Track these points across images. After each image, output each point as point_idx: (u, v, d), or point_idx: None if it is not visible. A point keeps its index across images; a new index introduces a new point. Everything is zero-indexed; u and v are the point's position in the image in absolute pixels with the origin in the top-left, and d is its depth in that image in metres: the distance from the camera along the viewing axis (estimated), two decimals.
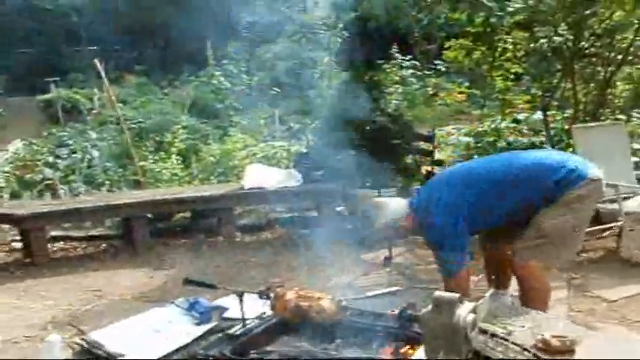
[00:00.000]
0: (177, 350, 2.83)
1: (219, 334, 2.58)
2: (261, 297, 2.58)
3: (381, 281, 5.53)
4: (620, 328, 4.40)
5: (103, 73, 8.79)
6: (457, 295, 2.02)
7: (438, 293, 2.04)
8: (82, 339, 2.93)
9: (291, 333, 2.56)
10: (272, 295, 2.50)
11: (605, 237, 6.42)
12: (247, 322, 2.55)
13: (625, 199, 5.93)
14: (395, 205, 4.04)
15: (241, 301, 2.55)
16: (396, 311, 2.26)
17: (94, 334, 2.98)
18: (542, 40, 6.59)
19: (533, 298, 3.82)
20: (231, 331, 2.50)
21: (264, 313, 2.66)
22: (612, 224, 6.34)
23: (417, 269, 5.86)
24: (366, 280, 5.55)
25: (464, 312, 2.01)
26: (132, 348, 2.84)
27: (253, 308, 2.69)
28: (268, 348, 2.47)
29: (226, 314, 3.09)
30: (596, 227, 6.42)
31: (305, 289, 2.49)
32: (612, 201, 5.95)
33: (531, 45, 6.73)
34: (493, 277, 4.33)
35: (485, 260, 4.42)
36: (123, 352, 2.80)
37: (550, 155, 4.26)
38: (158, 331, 3.04)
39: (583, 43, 6.83)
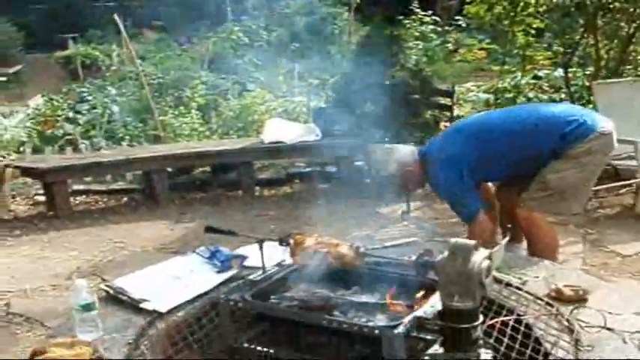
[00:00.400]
0: (198, 296, 2.90)
1: (240, 281, 2.65)
2: (281, 244, 2.64)
3: (399, 235, 5.59)
4: (633, 282, 4.45)
5: (122, 29, 8.80)
6: (473, 242, 2.07)
7: (454, 240, 2.09)
8: (107, 285, 3.01)
9: (309, 279, 2.62)
10: (291, 241, 2.56)
11: (623, 193, 6.44)
12: (267, 269, 2.61)
13: None
14: (403, 152, 4.09)
15: (261, 248, 2.61)
16: (413, 258, 2.31)
17: (117, 280, 3.06)
18: None
19: (539, 250, 3.86)
20: (251, 277, 2.57)
21: (284, 260, 2.72)
22: (630, 181, 6.35)
23: (435, 223, 5.92)
24: (384, 234, 5.61)
25: (479, 258, 2.05)
26: (154, 294, 2.91)
27: (273, 256, 2.75)
28: (287, 294, 2.53)
29: (246, 263, 3.16)
30: (614, 184, 6.45)
31: (324, 237, 2.54)
32: (631, 157, 5.95)
33: (554, 0, 6.66)
34: (509, 226, 4.38)
35: (500, 211, 4.46)
36: (146, 298, 2.88)
37: (563, 108, 4.27)
38: (180, 279, 3.11)
39: None
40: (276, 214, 6.22)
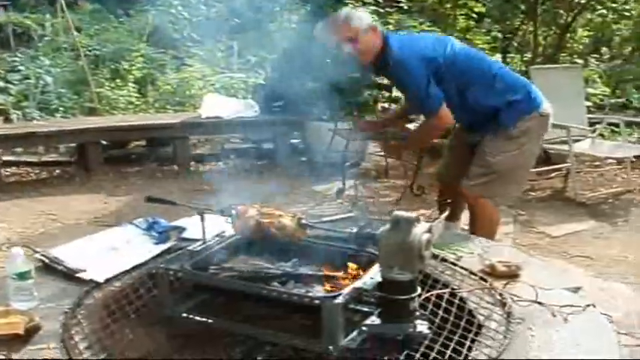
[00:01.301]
0: (136, 267, 2.88)
1: (180, 251, 2.63)
2: (222, 215, 2.63)
3: (334, 212, 5.64)
4: (561, 261, 4.60)
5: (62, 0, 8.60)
6: (414, 215, 2.10)
7: (396, 212, 2.12)
8: (43, 254, 2.95)
9: (250, 251, 2.62)
10: (233, 212, 2.55)
11: (553, 177, 6.64)
12: (207, 240, 2.60)
13: (575, 141, 6.09)
14: (364, 14, 3.96)
15: (202, 219, 2.60)
16: (354, 230, 2.33)
17: (53, 250, 3.00)
18: None
19: (481, 229, 3.95)
20: (191, 248, 2.55)
21: (224, 231, 2.71)
22: (561, 165, 6.54)
23: (369, 202, 5.99)
24: (319, 211, 5.66)
25: (420, 231, 2.09)
26: (91, 264, 2.87)
27: (212, 228, 2.73)
28: (226, 265, 2.53)
29: (185, 234, 3.14)
30: (545, 167, 6.63)
31: (266, 207, 2.55)
32: (563, 142, 6.11)
33: None
34: (448, 201, 4.42)
35: (439, 191, 4.55)
36: (82, 268, 2.84)
37: (519, 76, 4.30)
38: (117, 249, 3.08)
39: None
40: (211, 189, 6.16)
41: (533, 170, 6.47)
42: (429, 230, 2.14)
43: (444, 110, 3.84)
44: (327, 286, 2.39)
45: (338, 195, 6.07)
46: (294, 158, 6.79)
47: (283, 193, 5.79)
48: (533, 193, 6.31)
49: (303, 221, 2.46)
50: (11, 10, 13.30)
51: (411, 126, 4.34)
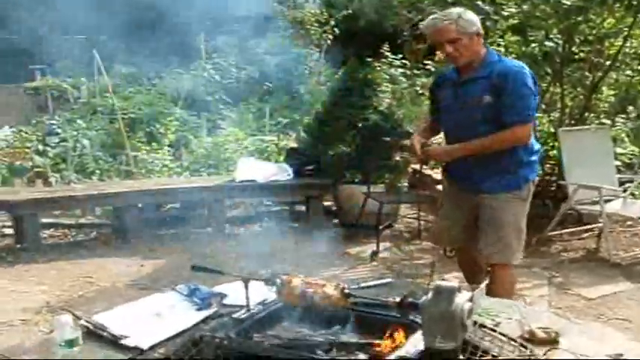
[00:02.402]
0: (179, 333, 2.92)
1: (225, 318, 2.69)
2: (267, 284, 2.69)
3: (368, 275, 5.68)
4: (597, 325, 4.56)
5: (100, 63, 8.85)
6: (456, 285, 2.15)
7: (438, 282, 2.16)
8: (87, 321, 3.01)
9: (293, 319, 2.66)
10: (278, 281, 2.61)
11: (585, 238, 6.61)
12: (251, 307, 2.65)
13: (607, 201, 6.08)
14: (475, 17, 3.93)
15: (246, 287, 2.66)
16: (397, 299, 2.37)
17: (98, 316, 3.06)
18: (533, 45, 6.72)
19: (504, 293, 3.89)
20: (235, 315, 2.61)
21: (267, 299, 2.77)
22: (593, 225, 6.53)
23: (403, 264, 6.01)
24: (354, 274, 5.69)
25: (462, 300, 2.13)
26: (135, 330, 2.92)
27: (255, 295, 2.79)
28: (270, 332, 2.58)
29: (226, 301, 3.20)
30: (578, 228, 6.63)
31: (310, 277, 2.60)
32: (594, 203, 6.10)
33: (523, 49, 6.85)
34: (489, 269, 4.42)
35: (459, 262, 4.56)
36: (126, 334, 2.89)
37: None
38: (160, 315, 3.13)
39: (573, 48, 6.97)
40: (246, 252, 6.23)
41: (566, 231, 6.53)
42: (471, 299, 2.18)
43: (530, 126, 3.94)
44: (371, 354, 2.42)
45: (372, 258, 6.10)
46: (327, 221, 6.84)
47: (317, 256, 5.83)
48: (566, 254, 6.29)
49: (347, 290, 2.51)
50: (48, 73, 13.69)
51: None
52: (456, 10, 3.91)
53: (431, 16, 4.02)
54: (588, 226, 6.63)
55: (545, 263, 6.02)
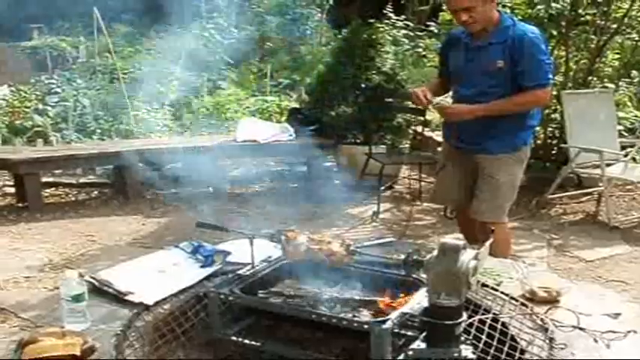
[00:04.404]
0: (183, 290, 2.96)
1: (229, 275, 2.71)
2: (272, 240, 2.71)
3: (369, 235, 5.70)
4: (596, 286, 4.60)
5: (101, 22, 8.77)
6: (461, 242, 2.16)
7: (444, 240, 2.18)
8: (92, 277, 3.04)
9: (297, 275, 2.69)
10: (283, 238, 2.63)
11: (585, 201, 6.64)
12: (255, 264, 2.67)
13: (607, 165, 6.09)
14: None
15: (251, 243, 2.67)
16: (402, 257, 2.39)
17: (102, 272, 3.09)
18: (539, 7, 6.67)
19: (501, 251, 3.93)
20: (240, 272, 2.63)
21: (271, 256, 2.79)
22: (593, 189, 6.54)
23: (403, 225, 6.03)
24: (355, 234, 5.71)
25: (467, 258, 2.15)
26: (140, 287, 2.96)
27: (260, 252, 2.81)
28: (275, 289, 2.60)
29: (229, 258, 3.22)
30: (578, 191, 6.64)
31: (316, 234, 2.62)
32: (595, 166, 6.12)
33: (529, 11, 6.81)
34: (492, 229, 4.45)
35: (459, 223, 4.64)
36: (131, 290, 2.92)
37: None
38: (164, 272, 3.16)
39: (580, 10, 6.92)
40: (247, 212, 6.25)
41: (566, 194, 6.55)
42: (476, 257, 2.20)
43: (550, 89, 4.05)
44: (375, 311, 2.45)
45: (373, 218, 6.12)
46: (329, 181, 6.84)
47: (318, 216, 5.86)
48: (565, 217, 6.31)
49: (352, 247, 2.52)
50: (45, 32, 13.58)
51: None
52: None
53: None
54: (588, 190, 6.64)
55: (545, 225, 6.05)
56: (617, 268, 5.08)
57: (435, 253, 2.19)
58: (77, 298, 2.60)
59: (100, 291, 2.97)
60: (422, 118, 6.92)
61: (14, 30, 14.20)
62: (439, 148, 7.45)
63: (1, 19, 15.22)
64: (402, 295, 2.51)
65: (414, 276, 2.50)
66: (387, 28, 9.09)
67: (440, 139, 7.67)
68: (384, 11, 10.06)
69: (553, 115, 7.14)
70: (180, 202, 6.57)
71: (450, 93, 4.36)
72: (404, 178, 7.27)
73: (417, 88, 4.18)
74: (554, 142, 7.32)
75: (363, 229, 5.90)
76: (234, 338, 2.54)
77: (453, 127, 4.21)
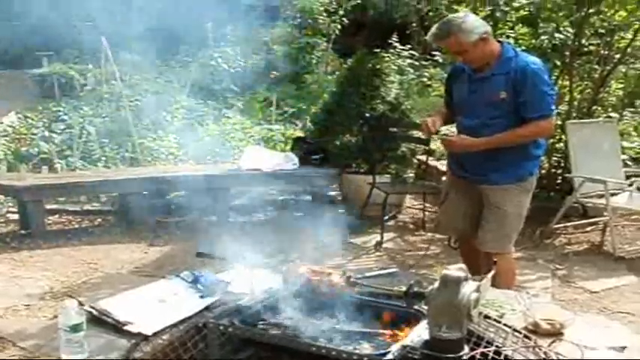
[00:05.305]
0: (183, 320, 2.93)
1: (230, 305, 2.68)
2: (272, 272, 2.69)
3: (372, 265, 5.67)
4: (601, 317, 4.55)
5: (108, 50, 8.82)
6: (463, 274, 2.14)
7: (445, 271, 2.16)
8: (91, 306, 3.02)
9: (297, 307, 2.66)
10: (284, 269, 2.61)
11: (590, 231, 6.60)
12: (255, 295, 2.65)
13: (612, 195, 6.06)
14: (475, 24, 3.89)
15: (251, 274, 2.66)
16: (404, 288, 2.37)
17: (102, 302, 3.07)
18: (543, 37, 6.70)
19: (505, 282, 3.93)
20: (240, 303, 2.61)
21: (271, 287, 2.76)
22: (598, 219, 6.51)
23: (406, 255, 6.00)
24: (357, 264, 5.68)
25: (468, 290, 2.12)
26: (139, 317, 2.93)
27: (260, 283, 2.79)
28: (274, 320, 2.57)
29: (230, 288, 3.20)
30: (583, 221, 6.61)
31: (316, 265, 2.60)
32: (600, 196, 6.09)
33: (532, 41, 6.83)
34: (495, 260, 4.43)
35: (462, 253, 4.62)
36: (130, 320, 2.89)
37: None
38: (164, 302, 3.14)
39: (583, 41, 6.95)
40: (250, 241, 6.21)
41: (570, 224, 6.51)
42: (477, 289, 2.18)
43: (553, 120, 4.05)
44: (374, 344, 2.42)
45: (376, 248, 6.09)
46: (332, 211, 6.82)
47: (321, 246, 5.81)
48: (570, 247, 6.28)
49: (352, 279, 2.50)
50: (54, 60, 13.64)
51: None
52: (455, 21, 3.90)
53: (433, 28, 4.02)
54: (593, 220, 6.61)
55: (550, 256, 6.01)
56: (623, 299, 5.04)
57: (437, 284, 2.17)
58: (75, 328, 2.58)
59: (99, 320, 2.95)
60: (426, 148, 6.91)
61: (25, 58, 14.32)
62: (443, 178, 7.47)
63: (13, 48, 15.38)
64: (403, 327, 2.48)
65: (415, 308, 2.48)
66: (392, 57, 9.10)
67: (444, 168, 7.70)
68: (390, 41, 10.08)
69: (557, 145, 7.12)
70: (184, 230, 6.56)
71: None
72: (408, 207, 7.25)
73: (428, 117, 4.17)
74: (559, 171, 7.31)
75: (366, 259, 5.87)
76: None
77: (455, 157, 4.21)
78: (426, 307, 2.30)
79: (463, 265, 4.56)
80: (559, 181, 7.25)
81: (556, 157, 7.29)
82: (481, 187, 4.08)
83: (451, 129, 4.53)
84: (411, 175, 7.35)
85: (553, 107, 4.01)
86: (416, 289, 2.32)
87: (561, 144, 7.03)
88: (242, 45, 11.31)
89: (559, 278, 5.51)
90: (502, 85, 3.86)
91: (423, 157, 7.31)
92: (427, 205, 6.77)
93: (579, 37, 6.86)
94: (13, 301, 4.68)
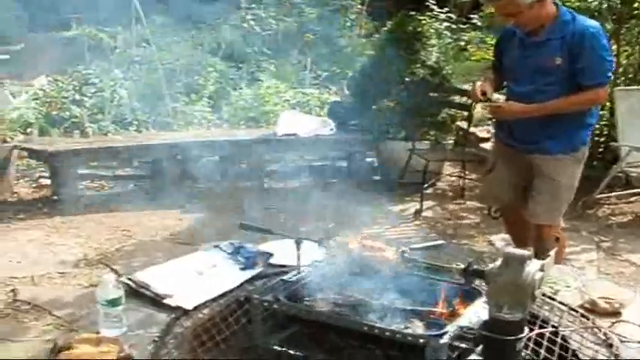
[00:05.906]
0: (224, 294, 2.83)
1: (273, 279, 2.57)
2: (320, 245, 2.57)
3: (410, 234, 5.54)
4: None
5: (140, 12, 8.70)
6: (528, 253, 2.00)
7: (508, 249, 2.02)
8: (129, 279, 2.93)
9: (345, 282, 2.54)
10: (333, 243, 2.49)
11: (634, 202, 6.41)
12: (301, 269, 2.53)
13: None
14: None
15: (298, 247, 2.53)
16: (462, 265, 2.23)
17: (140, 274, 2.98)
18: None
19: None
20: (285, 277, 2.49)
21: (317, 260, 2.65)
22: None
23: (446, 224, 5.88)
24: (397, 233, 5.55)
25: (533, 269, 1.98)
26: (178, 290, 2.84)
27: (303, 256, 2.66)
28: (321, 296, 2.45)
29: (271, 260, 3.09)
30: (626, 191, 6.41)
31: (368, 239, 2.47)
32: None
33: (579, 3, 6.60)
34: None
35: (506, 222, 4.46)
36: (170, 293, 2.81)
37: None
38: (202, 274, 3.04)
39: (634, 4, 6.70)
40: (286, 208, 6.11)
41: (614, 194, 6.33)
42: (542, 268, 2.04)
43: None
44: (426, 322, 2.30)
45: (415, 216, 5.96)
46: (370, 177, 6.68)
47: (358, 214, 5.69)
48: (614, 218, 6.09)
49: (406, 255, 2.37)
50: (83, 22, 13.55)
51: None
52: None
53: None
54: (637, 190, 6.42)
55: (593, 227, 5.84)
56: None
57: (498, 262, 2.02)
58: (113, 303, 2.49)
59: (137, 293, 2.87)
60: (467, 113, 6.71)
61: (53, 20, 14.25)
62: (482, 145, 7.29)
63: (40, 10, 15.33)
64: (457, 304, 2.35)
65: (472, 286, 2.34)
66: (430, 20, 8.86)
67: (483, 135, 7.51)
68: (427, 3, 9.82)
69: (601, 112, 6.89)
70: (217, 197, 6.47)
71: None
72: (447, 175, 7.08)
73: (477, 83, 4.00)
74: (602, 140, 7.08)
75: (405, 228, 5.74)
76: (277, 347, 2.40)
77: (505, 124, 4.03)
78: (484, 286, 2.16)
79: (506, 236, 4.51)
80: (602, 150, 7.03)
81: (599, 124, 7.05)
82: (531, 157, 3.90)
83: (498, 96, 4.33)
84: (450, 141, 7.17)
85: (610, 74, 3.82)
86: (475, 266, 2.18)
87: (605, 111, 6.80)
88: (274, 7, 11.11)
89: (604, 250, 5.36)
90: (558, 51, 3.67)
91: (463, 124, 7.10)
92: (466, 172, 6.61)
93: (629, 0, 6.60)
94: (48, 269, 4.64)
